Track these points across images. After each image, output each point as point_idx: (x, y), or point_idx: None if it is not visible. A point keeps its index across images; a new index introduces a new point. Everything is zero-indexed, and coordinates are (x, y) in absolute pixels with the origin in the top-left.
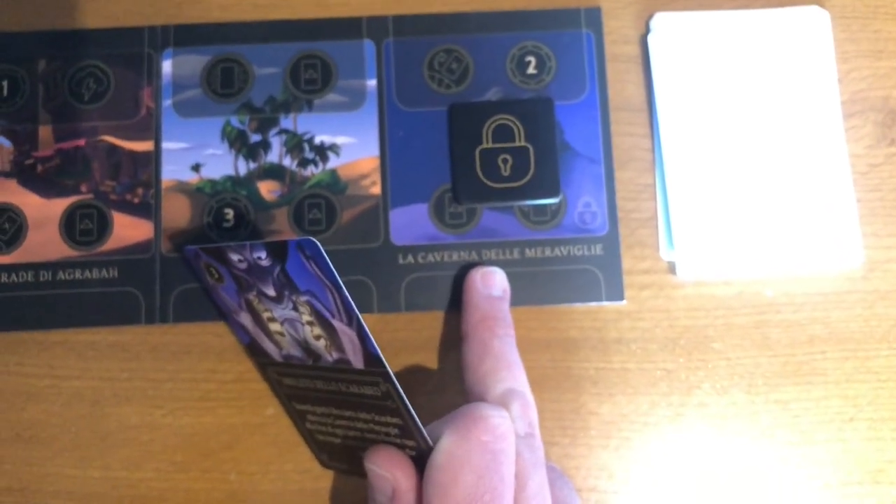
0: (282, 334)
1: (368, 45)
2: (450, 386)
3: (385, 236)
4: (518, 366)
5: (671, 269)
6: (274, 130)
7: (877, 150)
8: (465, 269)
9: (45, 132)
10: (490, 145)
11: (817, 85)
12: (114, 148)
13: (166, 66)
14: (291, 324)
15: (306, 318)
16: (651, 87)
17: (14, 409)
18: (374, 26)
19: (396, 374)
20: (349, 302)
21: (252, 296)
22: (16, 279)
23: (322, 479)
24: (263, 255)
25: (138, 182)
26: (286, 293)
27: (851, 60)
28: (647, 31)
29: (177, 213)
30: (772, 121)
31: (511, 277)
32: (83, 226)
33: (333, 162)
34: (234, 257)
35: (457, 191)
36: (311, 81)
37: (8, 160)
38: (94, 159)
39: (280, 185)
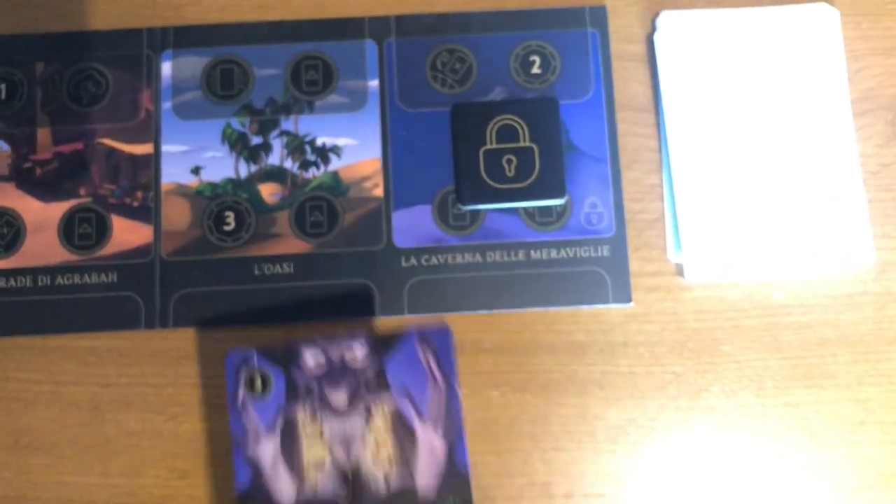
0: (319, 463)
1: (370, 46)
2: None
3: (388, 239)
4: None
5: (679, 270)
6: (275, 132)
7: (887, 149)
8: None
9: (43, 135)
10: (494, 146)
11: (827, 83)
12: (113, 151)
13: (165, 68)
14: (345, 445)
15: (377, 430)
16: (657, 85)
17: (12, 416)
18: (376, 26)
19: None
20: (458, 401)
21: (304, 410)
22: (14, 284)
23: None
24: (361, 348)
25: (138, 185)
26: (364, 397)
27: (862, 58)
28: (654, 29)
29: (177, 216)
30: (780, 120)
31: (516, 280)
32: (82, 230)
33: (335, 164)
34: (310, 357)
35: (460, 192)
36: (313, 82)
37: (6, 164)
38: (93, 162)
39: (281, 188)
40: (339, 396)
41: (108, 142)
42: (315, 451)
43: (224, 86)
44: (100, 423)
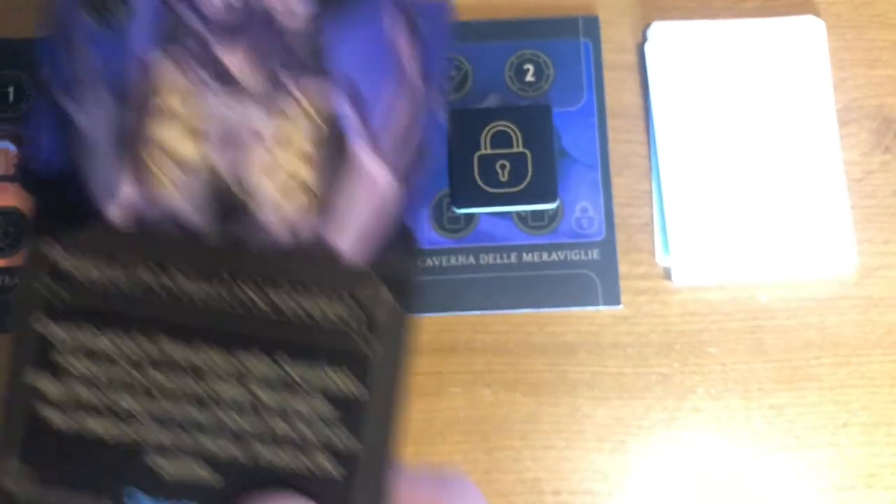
0: (178, 159)
1: None
2: (446, 391)
3: None
4: None
5: (667, 274)
6: None
7: (871, 157)
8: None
9: None
10: (488, 151)
11: (813, 93)
12: None
13: None
14: (232, 143)
15: (291, 132)
16: (647, 94)
17: None
18: None
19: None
20: (437, 122)
21: (177, 67)
22: (18, 283)
23: None
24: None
25: None
26: (285, 75)
27: (846, 69)
28: (644, 39)
29: None
30: (767, 128)
31: (508, 282)
32: None
33: None
34: None
35: (455, 196)
36: None
37: (12, 164)
38: None
39: None
40: (240, 60)
41: None
42: (176, 137)
43: None
44: None
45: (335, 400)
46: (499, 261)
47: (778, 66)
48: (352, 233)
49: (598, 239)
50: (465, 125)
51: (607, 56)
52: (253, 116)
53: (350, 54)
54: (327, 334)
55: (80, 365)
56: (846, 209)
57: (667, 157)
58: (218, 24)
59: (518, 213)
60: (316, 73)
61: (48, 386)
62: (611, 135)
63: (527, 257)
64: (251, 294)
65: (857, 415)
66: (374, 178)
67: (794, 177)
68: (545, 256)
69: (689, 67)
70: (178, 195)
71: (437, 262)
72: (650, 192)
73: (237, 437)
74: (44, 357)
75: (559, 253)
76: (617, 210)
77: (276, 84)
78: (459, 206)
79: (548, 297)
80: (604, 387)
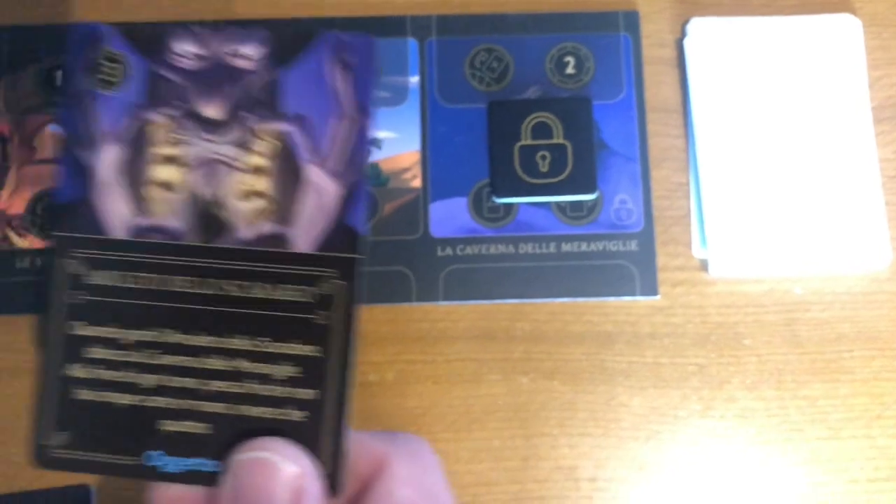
0: (169, 188)
1: (412, 44)
2: (485, 378)
3: (425, 228)
4: None
5: (704, 266)
6: None
7: None
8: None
9: None
10: (529, 142)
11: (848, 90)
12: None
13: None
14: (210, 171)
15: (255, 161)
16: (686, 89)
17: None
18: (418, 25)
19: (431, 363)
20: (367, 141)
21: (162, 115)
22: None
23: None
24: (254, 48)
25: None
26: (244, 114)
27: (882, 67)
28: (683, 35)
29: None
30: (804, 124)
31: (547, 271)
32: None
33: (376, 155)
34: (183, 47)
35: (495, 185)
36: None
37: (61, 147)
38: None
39: None
40: (213, 106)
41: None
42: (168, 171)
43: None
44: None
45: (298, 361)
46: (538, 250)
47: (814, 64)
48: (304, 230)
49: (637, 230)
50: (506, 116)
51: (646, 51)
52: (225, 150)
53: (298, 94)
54: (289, 311)
55: (100, 352)
56: (881, 205)
57: (705, 152)
58: (193, 76)
59: (557, 204)
60: (272, 111)
61: (78, 371)
62: (649, 128)
63: (566, 247)
64: (229, 286)
65: (891, 407)
66: (322, 188)
67: (829, 173)
68: (584, 247)
69: (727, 63)
70: (170, 215)
71: (476, 251)
72: (687, 185)
73: (224, 398)
74: (73, 349)
75: (598, 243)
76: (655, 202)
77: (241, 123)
78: (499, 196)
79: (586, 287)
80: (640, 376)
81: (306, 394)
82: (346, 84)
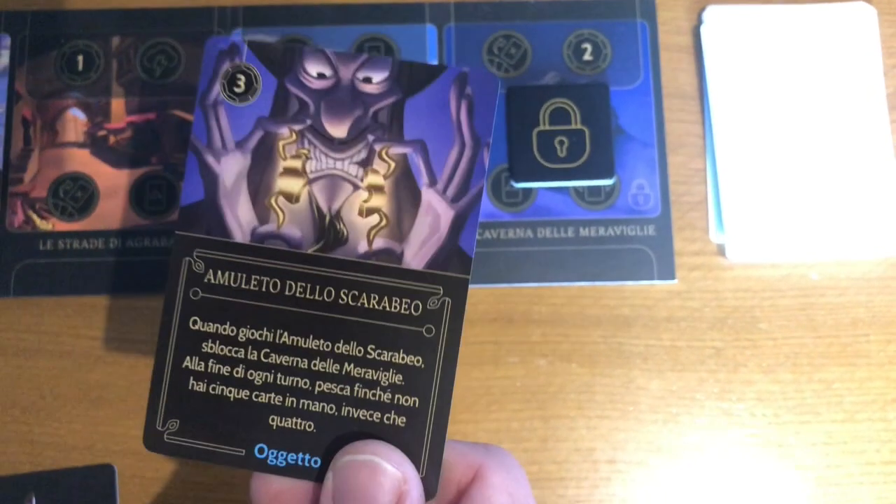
0: (292, 198)
1: (430, 30)
2: (503, 360)
3: None
4: None
5: (720, 251)
6: None
7: None
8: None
9: (117, 105)
10: (547, 127)
11: (863, 78)
12: (184, 122)
13: None
14: (331, 186)
15: (374, 179)
16: (703, 75)
17: (83, 371)
18: (437, 12)
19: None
20: (483, 170)
21: (290, 132)
22: (87, 245)
23: None
24: (382, 76)
25: None
26: (368, 134)
27: None
28: (700, 22)
29: None
30: (819, 111)
31: (565, 255)
32: (152, 196)
33: None
34: (315, 69)
35: (514, 170)
36: None
37: (82, 131)
38: (165, 133)
39: None
40: (338, 126)
41: (179, 113)
42: (291, 182)
43: None
44: None
45: (402, 370)
46: (556, 235)
47: (829, 51)
48: (417, 249)
49: (654, 215)
50: (524, 101)
51: (663, 37)
52: (347, 167)
53: (420, 120)
54: (398, 322)
55: (218, 349)
56: (895, 191)
57: (722, 138)
58: (321, 95)
59: (575, 189)
60: (394, 134)
61: (193, 364)
62: (666, 114)
63: (583, 232)
64: (343, 295)
65: None
66: (436, 211)
67: (845, 159)
68: (602, 231)
69: (742, 50)
70: (290, 225)
71: (495, 235)
72: (704, 170)
73: (331, 399)
74: (189, 343)
75: (615, 228)
76: (672, 188)
77: (364, 143)
78: (518, 181)
79: (603, 271)
80: (658, 359)
81: (408, 401)
82: (466, 115)
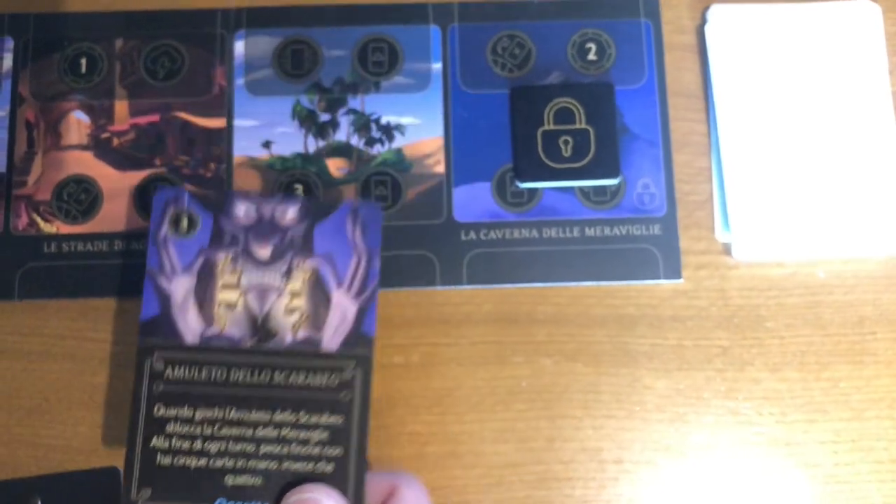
0: (230, 306)
1: (434, 30)
2: (508, 360)
3: (448, 213)
4: None
5: (726, 249)
6: (342, 110)
7: None
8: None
9: (120, 108)
10: (552, 127)
11: (868, 76)
12: (187, 124)
13: (238, 47)
14: (261, 294)
15: (294, 286)
16: (707, 74)
17: (87, 373)
18: (440, 12)
19: (455, 346)
20: (376, 273)
21: (225, 256)
22: (91, 248)
23: None
24: (294, 211)
25: (211, 157)
26: (287, 254)
27: None
28: (704, 21)
29: (248, 187)
30: (824, 110)
31: (571, 255)
32: None
33: (399, 141)
34: (242, 209)
35: (518, 170)
36: (379, 64)
37: (85, 134)
38: (168, 134)
39: (348, 163)
40: (263, 250)
41: (182, 115)
42: (229, 294)
43: (294, 65)
44: None
45: (327, 428)
46: (561, 234)
47: (834, 49)
48: (331, 336)
49: (660, 214)
50: (528, 101)
51: (667, 37)
52: (272, 279)
53: (326, 240)
54: (321, 392)
55: (179, 429)
56: None
57: (727, 136)
58: (247, 228)
59: (581, 188)
60: (308, 252)
61: (162, 443)
62: (671, 113)
63: (589, 231)
64: (275, 376)
65: None
66: (344, 306)
67: (850, 157)
68: (607, 231)
69: (747, 49)
70: (231, 327)
71: (500, 236)
72: (709, 169)
73: (273, 458)
74: (154, 426)
75: (621, 227)
76: (677, 186)
77: (285, 260)
78: (523, 181)
79: (609, 271)
80: (664, 358)
81: (334, 451)
82: (360, 234)
